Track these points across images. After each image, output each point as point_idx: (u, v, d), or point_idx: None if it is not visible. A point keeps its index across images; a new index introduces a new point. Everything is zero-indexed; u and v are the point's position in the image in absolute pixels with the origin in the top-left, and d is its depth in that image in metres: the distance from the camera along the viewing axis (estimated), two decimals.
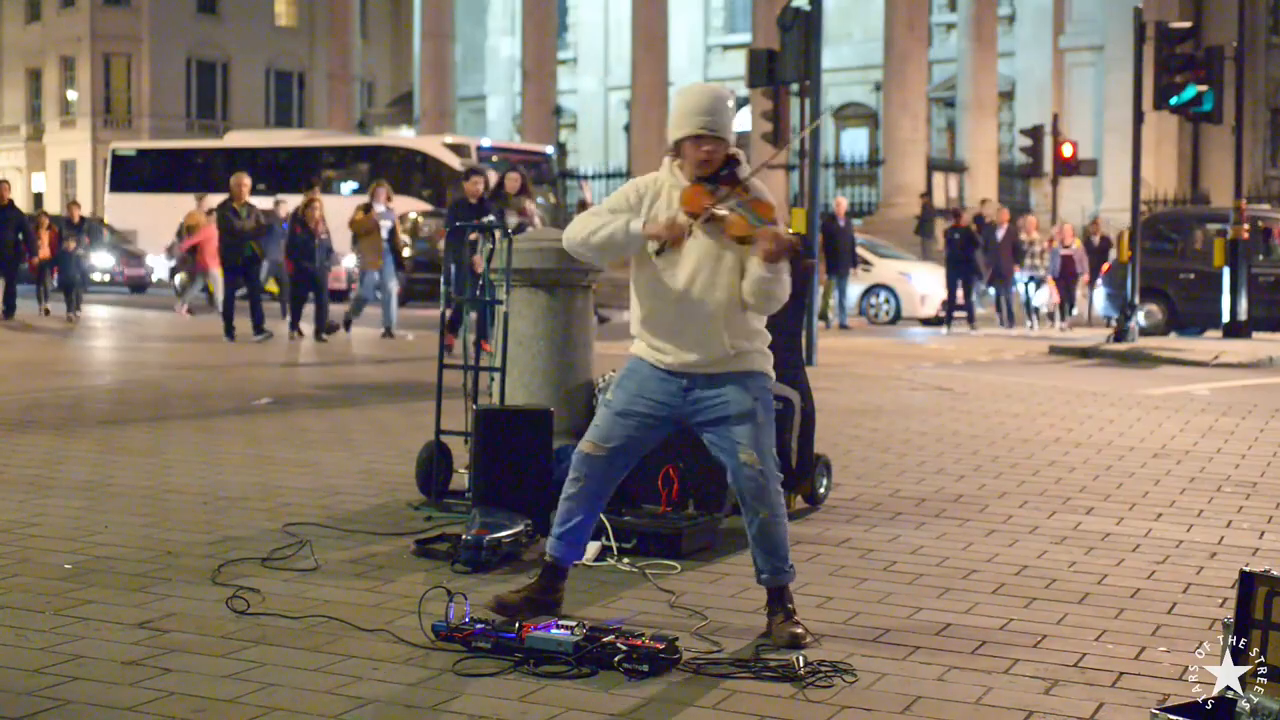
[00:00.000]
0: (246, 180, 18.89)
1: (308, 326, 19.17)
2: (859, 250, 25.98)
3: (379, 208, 20.05)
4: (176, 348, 18.31)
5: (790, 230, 4.90)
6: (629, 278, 5.06)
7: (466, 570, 5.80)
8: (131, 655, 4.61)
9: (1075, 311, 25.51)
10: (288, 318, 20.02)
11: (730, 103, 4.98)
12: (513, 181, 16.97)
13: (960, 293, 24.00)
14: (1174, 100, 20.15)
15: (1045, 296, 25.43)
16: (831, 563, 6.15)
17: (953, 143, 43.97)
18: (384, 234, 19.82)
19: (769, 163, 5.37)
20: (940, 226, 30.79)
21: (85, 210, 53.19)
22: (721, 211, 4.81)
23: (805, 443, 7.27)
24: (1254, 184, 37.12)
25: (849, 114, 50.30)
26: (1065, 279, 24.79)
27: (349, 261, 33.25)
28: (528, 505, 6.27)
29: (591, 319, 8.11)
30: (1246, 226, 20.50)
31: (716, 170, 4.90)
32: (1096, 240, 25.85)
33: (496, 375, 7.50)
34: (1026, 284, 24.96)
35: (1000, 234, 24.60)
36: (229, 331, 18.76)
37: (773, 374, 5.08)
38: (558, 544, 5.10)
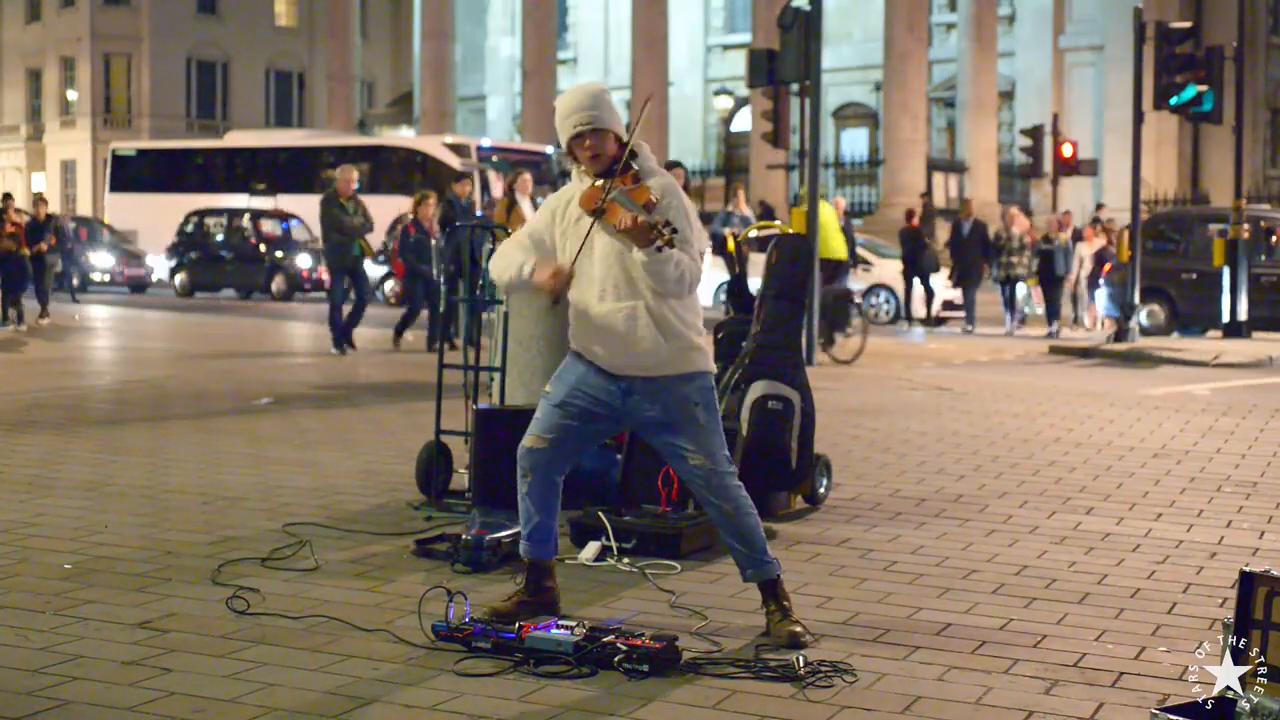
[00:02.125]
0: (353, 173, 16.91)
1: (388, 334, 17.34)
2: (859, 250, 25.99)
3: (524, 202, 16.84)
4: (177, 348, 18.31)
5: (671, 213, 4.81)
6: None
7: (466, 570, 5.79)
8: (131, 655, 4.61)
9: (1083, 314, 24.73)
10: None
11: (606, 95, 4.99)
12: (523, 183, 15.75)
13: (923, 292, 24.05)
14: (1174, 100, 20.16)
15: (1024, 295, 24.64)
16: (831, 563, 6.15)
17: (953, 143, 44.01)
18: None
19: (640, 119, 5.35)
20: (941, 227, 30.81)
21: (86, 210, 53.19)
22: (605, 205, 4.78)
23: (805, 443, 7.27)
24: (1254, 184, 37.15)
25: (849, 114, 50.33)
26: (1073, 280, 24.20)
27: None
28: None
29: None
30: (1247, 227, 20.50)
31: (610, 163, 4.88)
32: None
33: (496, 375, 7.50)
34: (1004, 284, 23.77)
35: (966, 230, 23.91)
36: (338, 342, 16.40)
37: (713, 368, 5.05)
38: (528, 545, 5.11)
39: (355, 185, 16.54)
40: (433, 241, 16.71)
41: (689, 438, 4.91)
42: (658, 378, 4.90)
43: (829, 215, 18.19)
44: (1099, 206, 29.83)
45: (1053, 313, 23.43)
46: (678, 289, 4.85)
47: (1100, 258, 23.92)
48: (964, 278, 23.98)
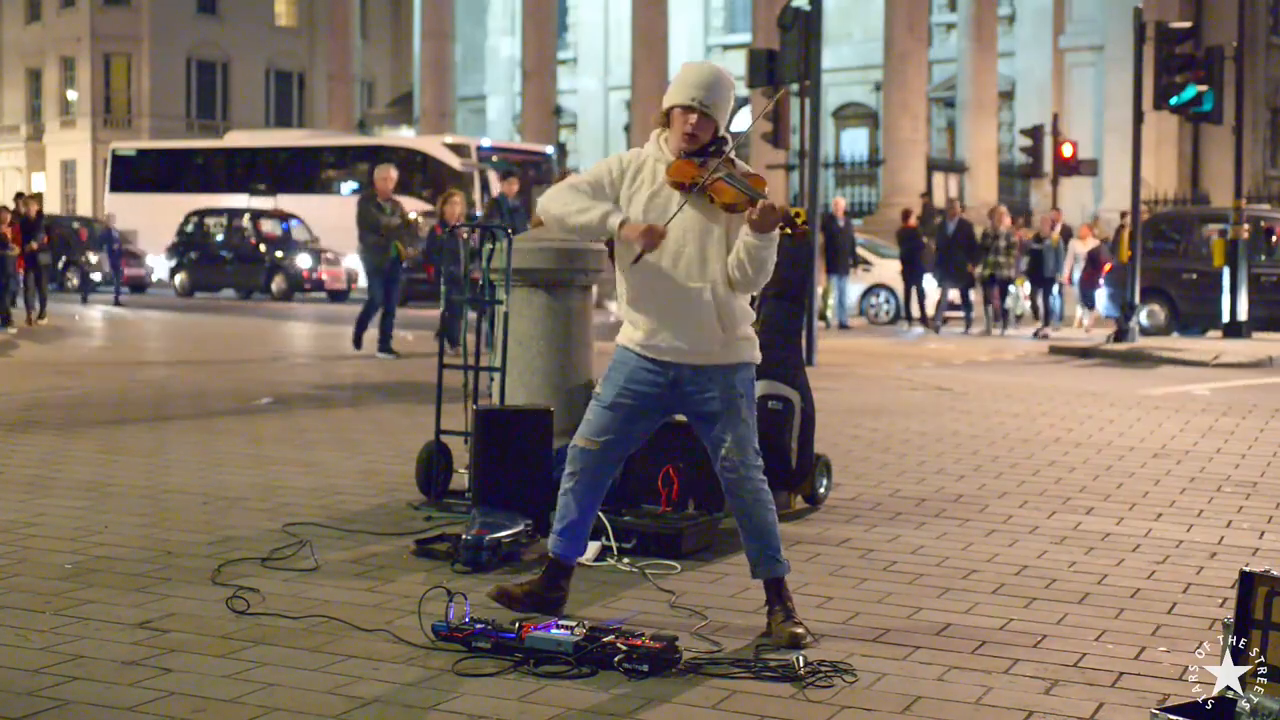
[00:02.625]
0: (393, 173, 16.43)
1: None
2: (859, 250, 25.98)
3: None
4: (176, 348, 18.31)
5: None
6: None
7: (466, 570, 5.79)
8: (131, 655, 4.61)
9: (1087, 312, 24.41)
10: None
11: (731, 88, 4.95)
12: (510, 186, 15.32)
13: (914, 293, 23.86)
14: (1174, 100, 20.16)
15: (1014, 295, 24.27)
16: (831, 563, 6.15)
17: (953, 143, 44.00)
18: None
19: (766, 110, 5.40)
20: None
21: (87, 209, 53.11)
22: (711, 181, 4.77)
23: (805, 443, 7.27)
24: (1254, 184, 37.12)
25: (849, 114, 50.33)
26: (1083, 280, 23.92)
27: (350, 261, 33.31)
28: (528, 505, 6.27)
29: (591, 319, 8.11)
30: (1246, 227, 20.50)
31: (703, 148, 4.87)
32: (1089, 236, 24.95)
33: (496, 375, 7.50)
34: (989, 284, 23.21)
35: (951, 229, 23.55)
36: (386, 346, 16.13)
37: (759, 358, 5.06)
38: (558, 540, 5.11)
39: (394, 184, 16.08)
40: (460, 244, 16.45)
41: (727, 428, 4.92)
42: (707, 367, 4.90)
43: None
44: (1095, 216, 29.77)
45: (1042, 312, 23.24)
46: (761, 280, 4.87)
47: (1093, 257, 23.78)
48: (949, 278, 23.62)
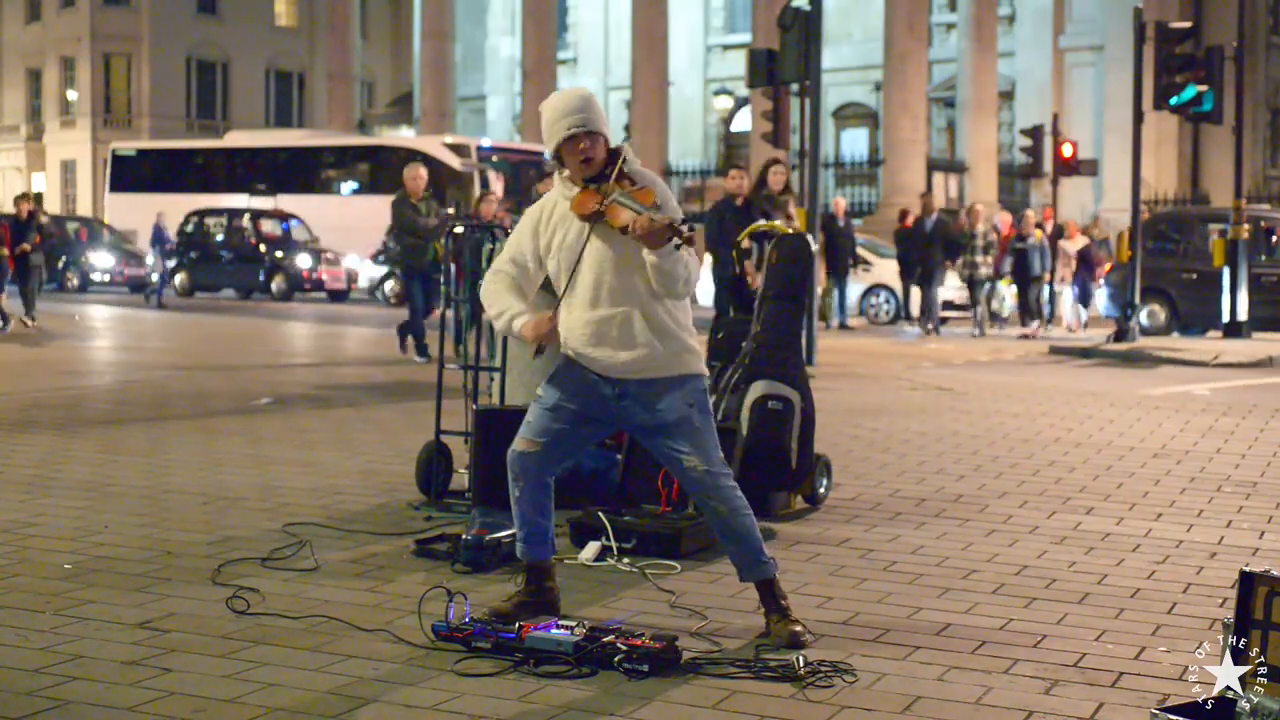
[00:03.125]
0: (422, 171, 15.88)
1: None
2: (859, 250, 25.95)
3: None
4: (177, 348, 18.31)
5: (673, 214, 4.81)
6: None
7: (466, 570, 5.79)
8: (131, 655, 4.61)
9: (1083, 311, 23.90)
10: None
11: (595, 99, 4.99)
12: (777, 177, 13.58)
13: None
14: (1174, 100, 20.16)
15: (999, 295, 23.72)
16: (831, 563, 6.15)
17: (953, 143, 44.00)
18: None
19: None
20: None
21: (87, 209, 53.09)
22: (605, 206, 4.77)
23: (805, 443, 7.27)
24: (1254, 184, 37.13)
25: (849, 114, 50.33)
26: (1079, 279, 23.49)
27: (350, 261, 33.33)
28: None
29: None
30: (1247, 227, 20.50)
31: (601, 168, 4.88)
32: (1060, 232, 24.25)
33: (496, 375, 7.50)
34: (969, 285, 22.65)
35: (928, 227, 23.11)
36: (422, 349, 15.44)
37: (705, 371, 5.04)
38: (525, 548, 5.11)
39: (425, 183, 15.65)
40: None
41: (683, 440, 4.91)
42: (652, 380, 4.90)
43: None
44: (1095, 216, 29.64)
45: (1027, 311, 22.77)
46: (684, 290, 4.85)
47: (1084, 255, 23.50)
48: (924, 277, 23.11)
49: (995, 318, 23.57)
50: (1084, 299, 23.86)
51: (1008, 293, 23.98)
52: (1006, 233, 23.21)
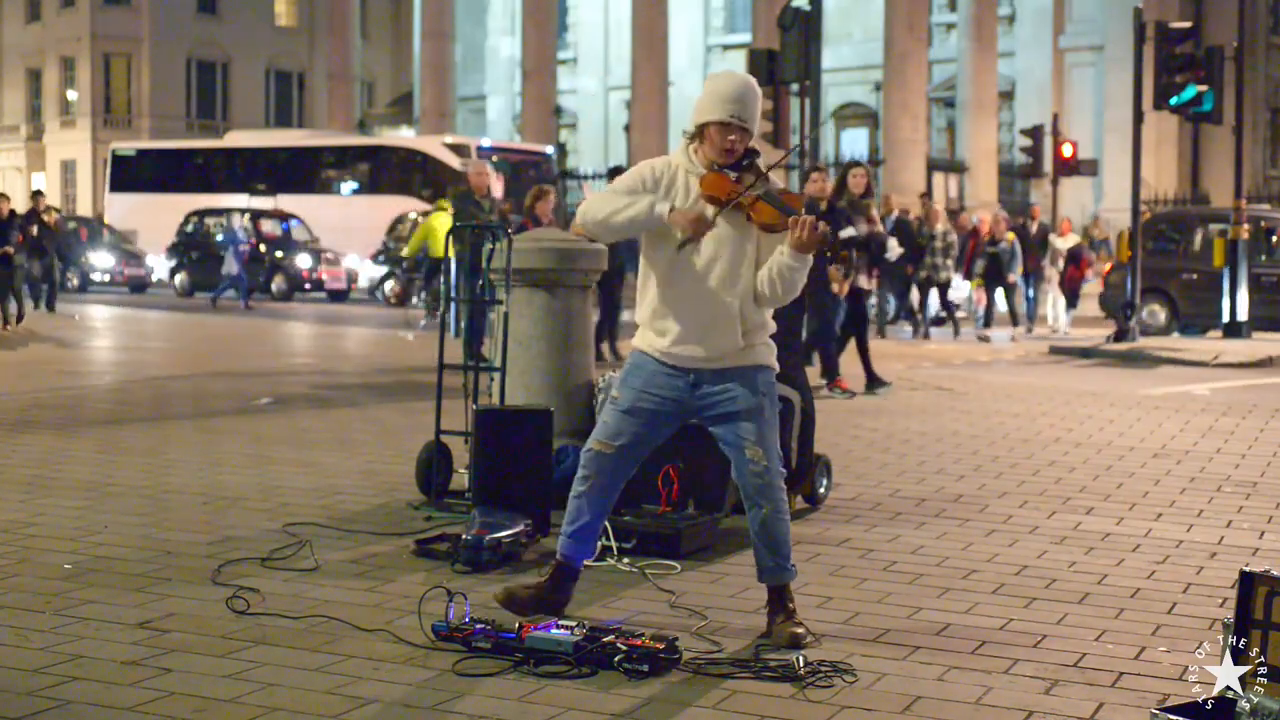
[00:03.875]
0: (488, 168, 15.60)
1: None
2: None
3: None
4: (176, 348, 18.31)
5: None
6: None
7: (466, 570, 5.79)
8: (131, 655, 4.61)
9: (1064, 314, 23.09)
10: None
11: (759, 96, 4.97)
12: (858, 180, 13.04)
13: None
14: (1174, 100, 20.16)
15: (965, 297, 22.81)
16: (831, 563, 6.15)
17: (953, 143, 44.01)
18: None
19: (783, 162, 5.40)
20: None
21: (87, 209, 53.04)
22: (749, 199, 4.78)
23: (805, 443, 7.27)
24: (1254, 184, 37.15)
25: (849, 114, 50.34)
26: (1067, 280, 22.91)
27: (350, 261, 33.32)
28: (528, 505, 6.27)
29: (591, 319, 8.11)
30: (1247, 227, 20.50)
31: (737, 161, 4.88)
32: (1034, 229, 23.41)
33: (496, 375, 7.50)
34: (923, 287, 21.73)
35: (889, 226, 21.39)
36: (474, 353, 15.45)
37: (777, 366, 5.07)
38: (568, 542, 5.10)
39: (490, 181, 15.32)
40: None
41: (750, 429, 4.90)
42: (727, 369, 4.91)
43: (439, 222, 21.13)
44: (1095, 216, 29.46)
45: (992, 315, 21.96)
46: (788, 297, 4.90)
47: (1075, 255, 23.04)
48: (884, 277, 21.37)
49: (955, 318, 22.53)
50: (1071, 300, 23.31)
51: (974, 295, 22.98)
52: (986, 234, 22.49)
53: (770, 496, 4.92)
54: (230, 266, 27.80)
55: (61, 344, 18.19)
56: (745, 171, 4.85)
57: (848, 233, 11.92)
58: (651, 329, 4.97)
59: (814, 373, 11.82)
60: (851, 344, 13.10)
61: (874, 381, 12.82)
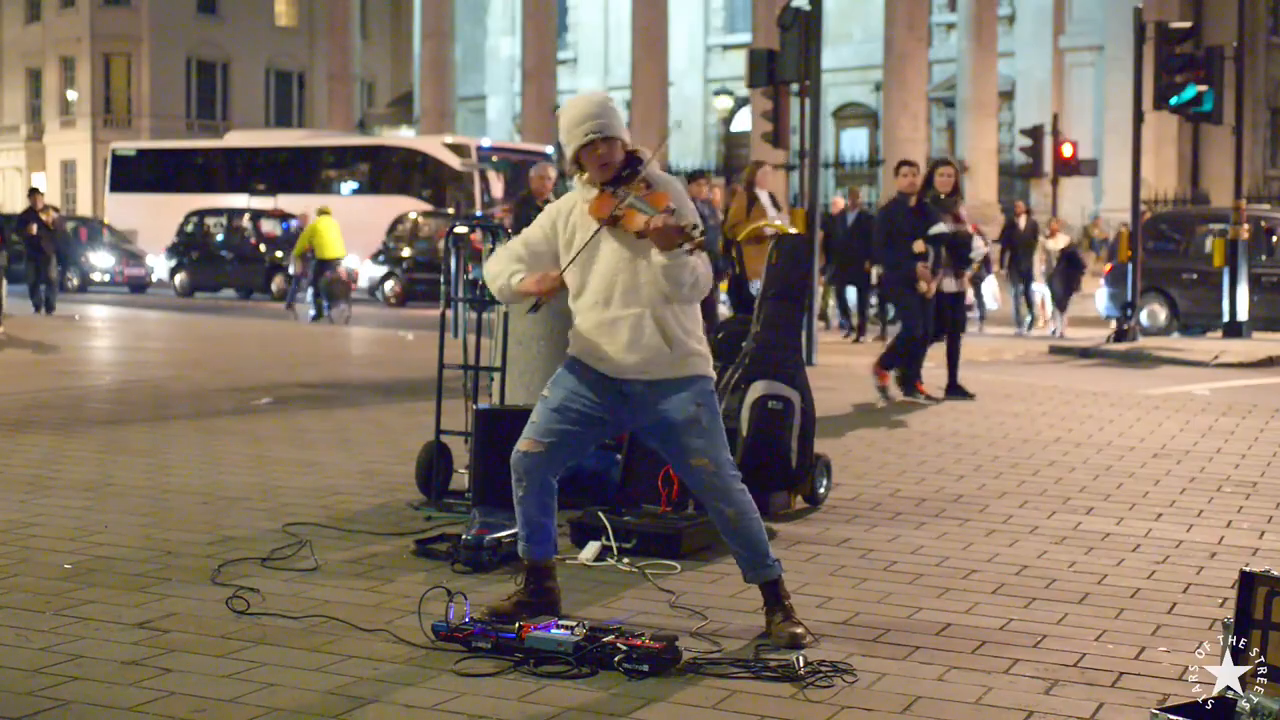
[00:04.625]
0: (551, 171, 15.03)
1: None
2: None
3: (764, 195, 14.37)
4: (176, 348, 18.30)
5: (687, 218, 4.84)
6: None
7: (466, 570, 5.80)
8: (131, 655, 4.61)
9: (1053, 312, 22.64)
10: None
11: (614, 103, 5.03)
12: (945, 179, 12.48)
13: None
14: (1174, 100, 20.15)
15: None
16: (831, 563, 6.15)
17: (953, 143, 44.01)
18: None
19: (658, 150, 5.37)
20: None
21: (87, 209, 53.02)
22: (621, 210, 4.82)
23: (805, 443, 7.27)
24: (1254, 184, 37.14)
25: (849, 114, 50.34)
26: (1066, 279, 22.48)
27: (350, 261, 33.30)
28: None
29: None
30: (1247, 227, 20.50)
31: (619, 171, 4.92)
32: (1023, 224, 22.93)
33: (496, 375, 7.50)
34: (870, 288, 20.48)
35: (851, 222, 21.15)
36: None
37: (712, 374, 5.06)
38: (526, 546, 5.10)
39: (552, 185, 14.72)
40: None
41: (691, 440, 4.91)
42: (658, 381, 4.92)
43: (325, 224, 25.04)
44: (1095, 216, 29.33)
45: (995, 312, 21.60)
46: (691, 294, 4.88)
47: (1069, 256, 22.76)
48: (843, 277, 21.21)
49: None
50: (1062, 302, 22.87)
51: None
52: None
53: (730, 499, 4.93)
54: (292, 266, 27.60)
55: (42, 348, 18.13)
56: (625, 183, 4.88)
57: (936, 230, 11.63)
58: (582, 340, 4.99)
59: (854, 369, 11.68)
60: (938, 347, 12.58)
61: (956, 390, 12.33)
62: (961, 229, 12.27)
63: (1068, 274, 22.84)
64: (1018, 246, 22.94)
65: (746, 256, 13.85)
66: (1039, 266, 23.20)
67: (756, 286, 14.57)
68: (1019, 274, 23.14)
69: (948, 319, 12.37)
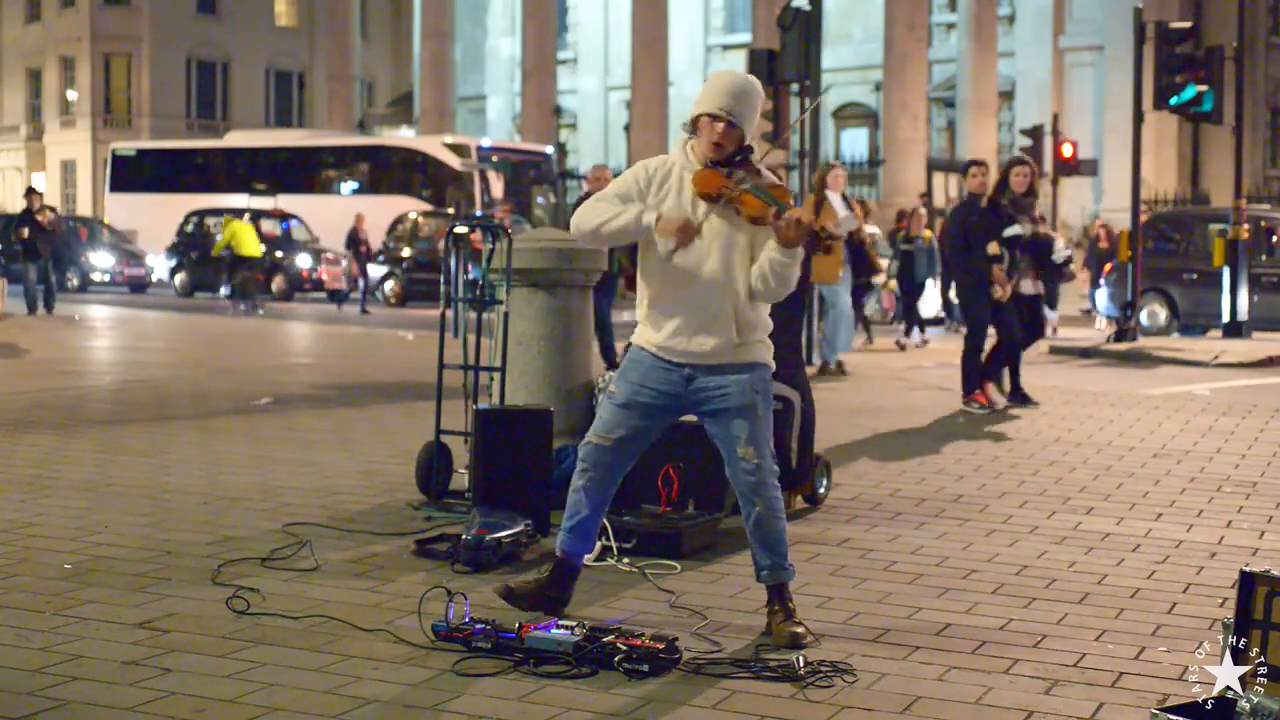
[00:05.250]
0: (607, 173, 14.72)
1: None
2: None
3: (834, 197, 14.13)
4: (176, 348, 18.30)
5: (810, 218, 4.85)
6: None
7: (466, 570, 5.80)
8: (131, 655, 4.61)
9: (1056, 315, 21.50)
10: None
11: (760, 97, 4.97)
12: (1021, 179, 11.82)
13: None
14: (1174, 100, 20.15)
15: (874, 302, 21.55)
16: (831, 563, 6.15)
17: (953, 143, 44.02)
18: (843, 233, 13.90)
19: (809, 109, 5.30)
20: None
21: (87, 209, 53.01)
22: (737, 193, 4.80)
23: (805, 443, 7.27)
24: (1254, 184, 37.15)
25: (849, 114, 50.34)
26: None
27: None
28: (528, 505, 6.27)
29: (591, 319, 8.11)
30: (1247, 227, 20.51)
31: (729, 157, 4.89)
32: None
33: (496, 375, 7.50)
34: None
35: None
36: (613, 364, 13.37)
37: (773, 365, 5.07)
38: (567, 537, 5.11)
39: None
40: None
41: (743, 427, 4.91)
42: (722, 365, 4.92)
43: (242, 227, 27.36)
44: (1095, 216, 29.18)
45: (913, 321, 20.27)
46: (782, 293, 4.90)
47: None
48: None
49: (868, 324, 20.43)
50: (1050, 302, 22.61)
51: (884, 296, 22.04)
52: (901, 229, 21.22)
53: (763, 495, 4.93)
54: (352, 269, 27.53)
55: (41, 348, 18.15)
56: (737, 167, 4.85)
57: (1012, 231, 11.26)
58: (648, 324, 5.00)
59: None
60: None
61: (1019, 396, 11.93)
62: (1040, 230, 11.91)
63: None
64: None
65: (816, 260, 12.83)
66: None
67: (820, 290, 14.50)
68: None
69: (1025, 323, 11.96)
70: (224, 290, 27.89)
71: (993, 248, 11.21)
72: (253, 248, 27.57)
